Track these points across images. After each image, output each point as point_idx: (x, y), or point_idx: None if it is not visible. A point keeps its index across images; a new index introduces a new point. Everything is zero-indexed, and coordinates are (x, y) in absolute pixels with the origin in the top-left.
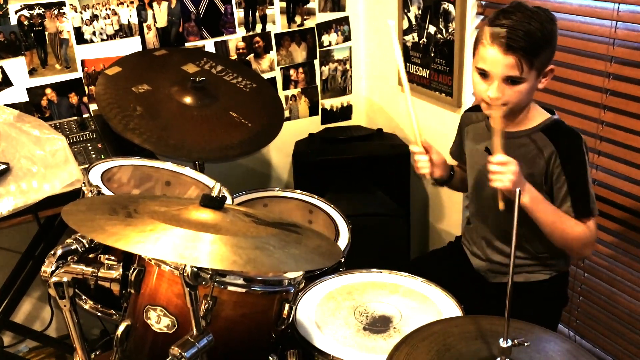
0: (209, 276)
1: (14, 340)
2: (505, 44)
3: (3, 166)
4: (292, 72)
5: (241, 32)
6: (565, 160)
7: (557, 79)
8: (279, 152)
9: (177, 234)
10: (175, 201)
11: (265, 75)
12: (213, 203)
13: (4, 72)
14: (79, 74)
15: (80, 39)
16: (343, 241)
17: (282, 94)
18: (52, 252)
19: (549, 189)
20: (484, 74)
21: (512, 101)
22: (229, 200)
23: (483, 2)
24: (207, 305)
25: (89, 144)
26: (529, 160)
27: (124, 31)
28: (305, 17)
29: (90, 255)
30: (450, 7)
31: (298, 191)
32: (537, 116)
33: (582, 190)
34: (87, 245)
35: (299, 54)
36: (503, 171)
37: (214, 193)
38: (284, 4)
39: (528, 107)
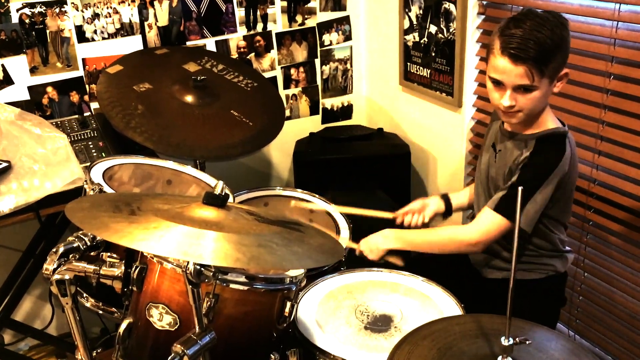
0: (211, 274)
1: (15, 339)
2: (515, 54)
3: (4, 164)
4: (292, 71)
5: (242, 31)
6: (527, 164)
7: None
8: (280, 151)
9: (181, 232)
10: (178, 199)
11: (266, 75)
12: (216, 201)
13: (5, 70)
14: (80, 72)
15: (82, 37)
16: (343, 240)
17: (282, 93)
18: (54, 249)
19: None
20: (496, 83)
21: (527, 108)
22: (230, 199)
23: (484, 2)
24: (209, 303)
25: (90, 143)
26: (512, 162)
27: (125, 30)
28: (306, 16)
29: (92, 253)
30: (452, 7)
31: (299, 190)
32: (545, 123)
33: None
34: (88, 243)
35: (300, 53)
36: (367, 255)
37: (217, 191)
38: (285, 3)
39: (543, 111)
